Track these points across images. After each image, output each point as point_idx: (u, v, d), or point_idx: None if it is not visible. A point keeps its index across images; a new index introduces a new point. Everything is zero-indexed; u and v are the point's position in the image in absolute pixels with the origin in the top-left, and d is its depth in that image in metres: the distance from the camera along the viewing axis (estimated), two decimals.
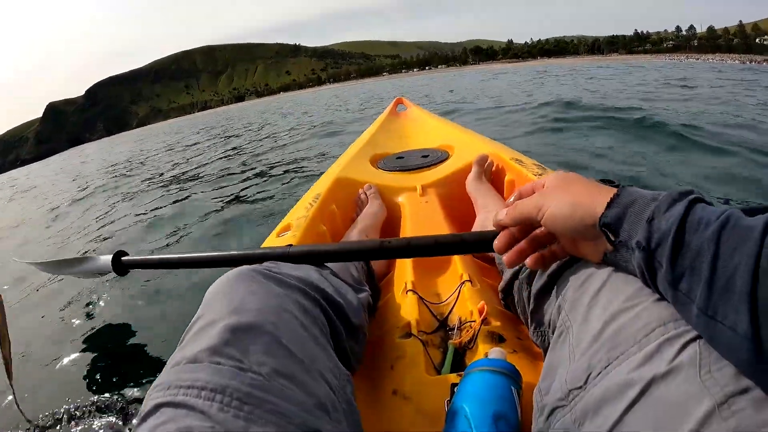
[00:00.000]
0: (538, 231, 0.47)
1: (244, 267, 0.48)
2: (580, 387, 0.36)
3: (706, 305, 0.29)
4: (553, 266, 0.50)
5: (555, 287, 0.50)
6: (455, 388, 0.50)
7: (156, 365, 1.20)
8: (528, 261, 0.47)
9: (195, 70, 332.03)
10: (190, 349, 0.36)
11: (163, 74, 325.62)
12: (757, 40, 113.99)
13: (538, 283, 0.53)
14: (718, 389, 0.28)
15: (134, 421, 0.32)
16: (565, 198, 0.42)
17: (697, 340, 0.31)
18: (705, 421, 0.27)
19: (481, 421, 0.44)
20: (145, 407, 0.33)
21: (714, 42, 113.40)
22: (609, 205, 0.38)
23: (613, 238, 0.38)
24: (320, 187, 1.21)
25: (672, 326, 0.33)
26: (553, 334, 0.47)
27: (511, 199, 0.48)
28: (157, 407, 0.32)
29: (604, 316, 0.37)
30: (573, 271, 0.47)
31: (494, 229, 0.49)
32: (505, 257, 0.48)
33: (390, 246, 0.57)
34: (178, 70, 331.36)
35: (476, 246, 0.58)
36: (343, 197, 1.19)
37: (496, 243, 0.48)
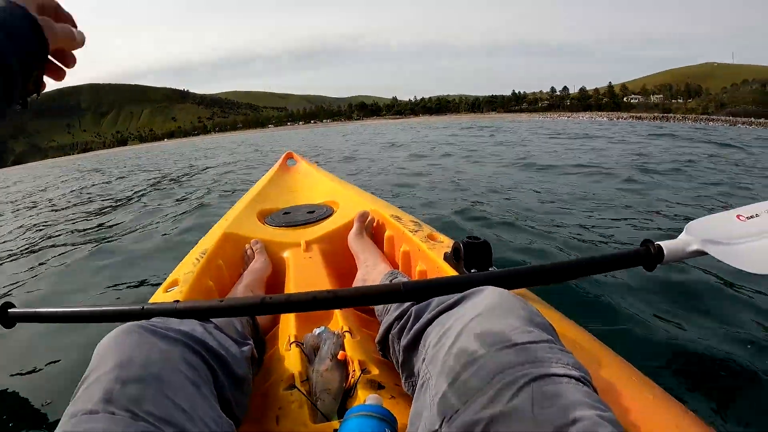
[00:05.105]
0: None
1: (132, 323, 0.50)
2: (436, 430, 0.41)
3: None
4: (417, 325, 0.58)
5: (420, 342, 0.56)
6: None
7: (44, 419, 1.15)
8: None
9: (78, 108, 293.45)
10: (84, 402, 0.38)
11: (46, 109, 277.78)
12: (624, 99, 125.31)
13: (405, 339, 0.60)
14: (548, 424, 0.34)
15: None
16: None
17: (531, 384, 0.37)
18: None
19: None
20: None
21: (585, 102, 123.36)
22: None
23: None
24: (207, 242, 1.21)
25: (510, 372, 0.38)
26: None
27: None
28: None
29: (456, 369, 0.43)
30: (433, 328, 0.54)
31: (370, 284, 0.54)
32: None
33: (270, 302, 0.61)
34: (63, 106, 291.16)
35: (350, 301, 0.63)
36: (230, 252, 1.20)
37: None
